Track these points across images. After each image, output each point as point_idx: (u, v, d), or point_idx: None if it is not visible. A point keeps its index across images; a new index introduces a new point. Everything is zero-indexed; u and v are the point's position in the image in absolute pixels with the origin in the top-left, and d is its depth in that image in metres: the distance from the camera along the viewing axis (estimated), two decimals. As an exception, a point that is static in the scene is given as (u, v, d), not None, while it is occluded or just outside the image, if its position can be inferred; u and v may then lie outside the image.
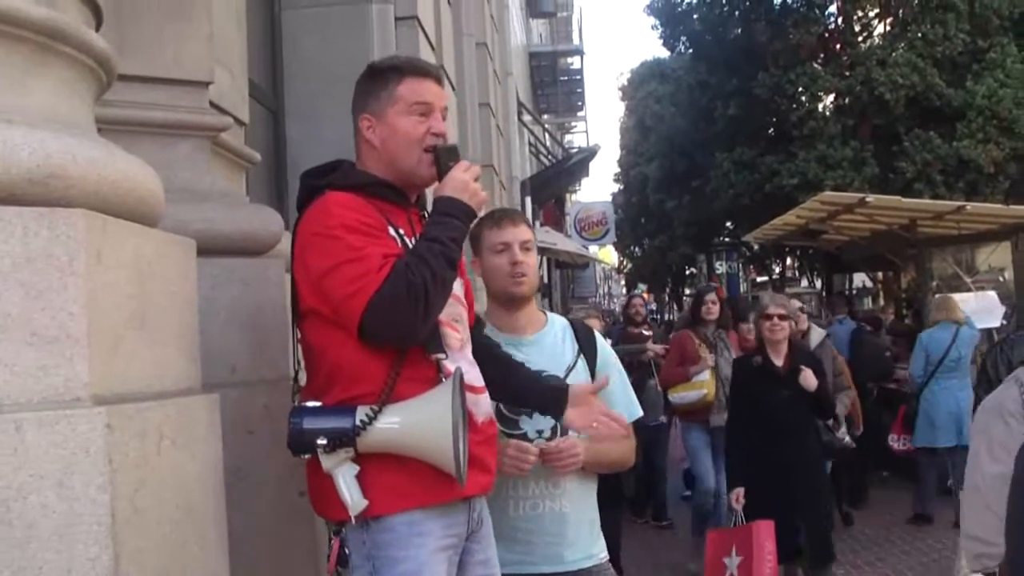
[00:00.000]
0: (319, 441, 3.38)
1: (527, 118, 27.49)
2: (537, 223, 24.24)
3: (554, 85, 39.78)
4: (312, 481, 3.60)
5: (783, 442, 8.49)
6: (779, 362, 8.73)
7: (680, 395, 11.35)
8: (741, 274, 44.97)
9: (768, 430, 8.52)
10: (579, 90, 43.91)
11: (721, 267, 41.18)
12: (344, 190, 3.59)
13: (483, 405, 3.80)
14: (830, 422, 10.00)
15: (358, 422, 3.38)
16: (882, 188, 22.59)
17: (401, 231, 3.63)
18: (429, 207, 3.78)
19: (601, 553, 4.62)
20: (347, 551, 3.49)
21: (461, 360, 3.69)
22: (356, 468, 3.43)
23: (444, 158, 3.66)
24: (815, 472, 8.93)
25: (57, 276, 2.55)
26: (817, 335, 11.83)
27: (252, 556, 3.81)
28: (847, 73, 26.58)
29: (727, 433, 9.30)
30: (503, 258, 4.45)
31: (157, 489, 2.81)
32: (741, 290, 40.47)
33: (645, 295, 76.30)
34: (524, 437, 4.38)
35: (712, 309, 11.50)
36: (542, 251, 22.75)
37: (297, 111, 7.37)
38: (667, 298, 61.74)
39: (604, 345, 4.77)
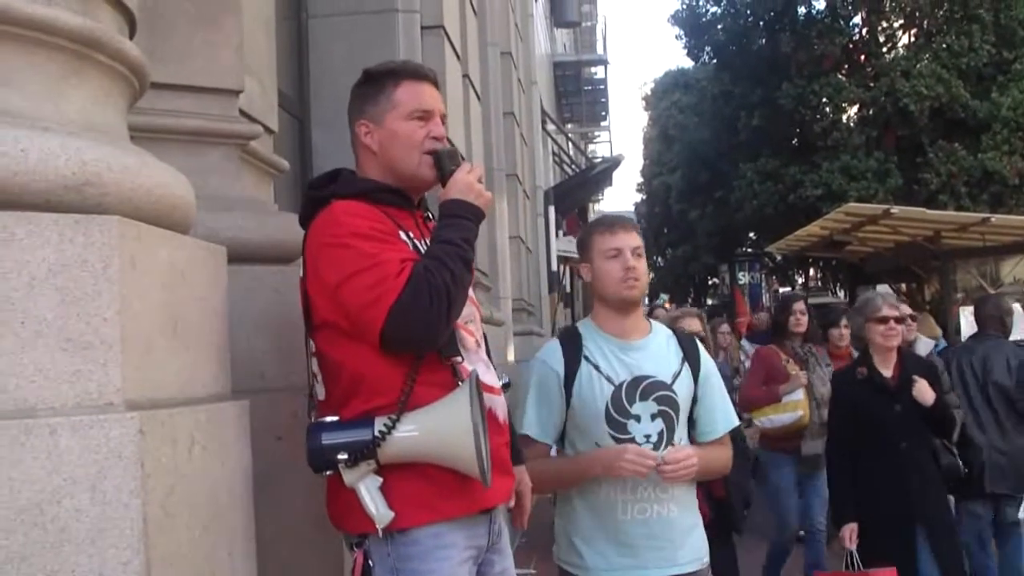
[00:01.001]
0: (340, 456, 3.33)
1: (551, 127, 27.48)
2: (560, 232, 24.21)
3: (578, 94, 39.76)
4: (331, 496, 3.58)
5: (899, 466, 7.04)
6: (888, 372, 7.25)
7: (769, 418, 9.61)
8: (764, 285, 44.89)
9: (880, 452, 7.09)
10: (603, 100, 43.87)
11: (744, 277, 41.10)
12: (349, 198, 3.55)
13: (501, 406, 3.79)
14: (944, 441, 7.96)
15: (377, 433, 3.33)
16: (906, 199, 22.52)
17: (410, 234, 3.61)
18: (432, 210, 3.80)
19: (705, 557, 4.67)
20: (371, 563, 3.46)
21: (477, 362, 3.70)
22: (379, 480, 3.39)
23: (446, 162, 3.64)
24: (940, 503, 7.42)
25: (91, 282, 2.57)
26: (925, 345, 10.82)
27: (280, 562, 3.82)
28: (871, 84, 26.55)
29: (830, 458, 7.64)
30: (616, 263, 4.51)
31: (188, 494, 2.83)
32: (763, 301, 40.39)
33: (667, 305, 76.28)
34: (632, 442, 4.42)
35: (801, 320, 9.80)
36: (564, 260, 22.75)
37: (323, 119, 7.39)
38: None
39: (706, 354, 4.82)
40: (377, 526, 3.38)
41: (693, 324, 6.35)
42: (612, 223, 4.70)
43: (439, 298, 3.34)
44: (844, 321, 9.92)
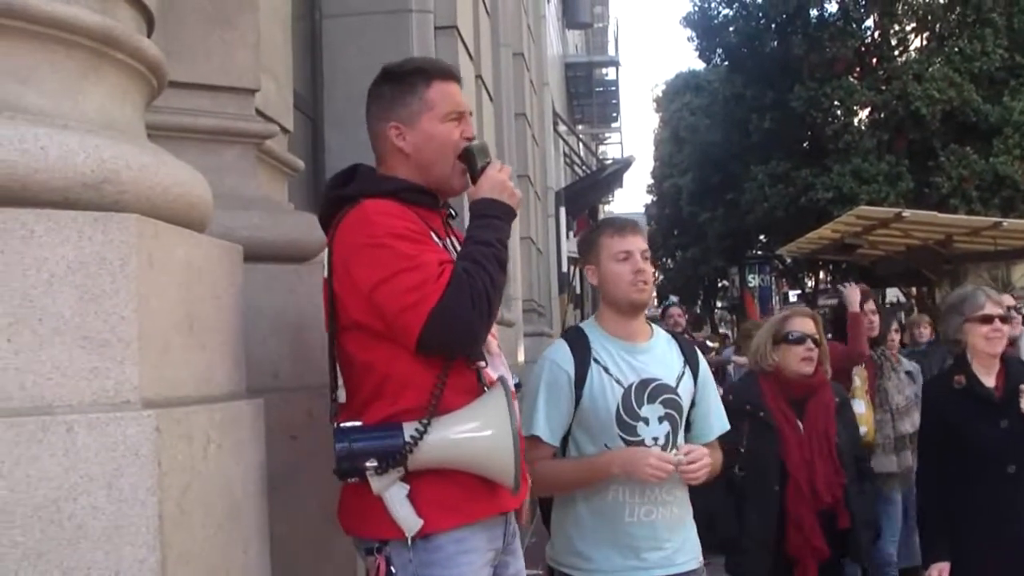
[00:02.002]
0: (369, 463, 3.27)
1: (562, 128, 27.46)
2: (571, 233, 24.20)
3: (589, 96, 39.74)
4: (347, 501, 3.55)
5: (1006, 494, 5.73)
6: (991, 382, 5.90)
7: None
8: (773, 287, 44.85)
9: (982, 477, 5.78)
10: (614, 101, 43.86)
11: (754, 280, 41.15)
12: (378, 197, 3.48)
13: (518, 410, 3.77)
14: None
15: (408, 439, 3.28)
16: (917, 203, 22.53)
17: (439, 234, 3.57)
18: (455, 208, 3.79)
19: (700, 557, 4.70)
20: (392, 570, 3.40)
21: (499, 366, 3.67)
22: (407, 487, 3.34)
23: (478, 157, 3.61)
24: None
25: (109, 280, 2.57)
26: None
27: (293, 561, 3.82)
28: (883, 87, 26.55)
29: (919, 485, 6.38)
30: (625, 266, 4.52)
31: (204, 492, 2.83)
32: (773, 303, 40.35)
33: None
34: (641, 444, 4.43)
35: (872, 320, 8.38)
36: (575, 261, 22.73)
37: (336, 119, 7.39)
38: (699, 310, 61.56)
39: (703, 359, 4.86)
40: (407, 534, 3.34)
41: (806, 325, 6.11)
42: (621, 226, 4.71)
43: (480, 301, 3.31)
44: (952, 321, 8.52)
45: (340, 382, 3.54)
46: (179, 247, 2.88)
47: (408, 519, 3.34)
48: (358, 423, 3.37)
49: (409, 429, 3.30)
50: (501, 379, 3.52)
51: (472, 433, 3.39)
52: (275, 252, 4.14)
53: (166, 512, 2.59)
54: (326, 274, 3.50)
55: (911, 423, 8.18)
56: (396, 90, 3.67)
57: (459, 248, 3.56)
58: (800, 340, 6.04)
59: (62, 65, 2.73)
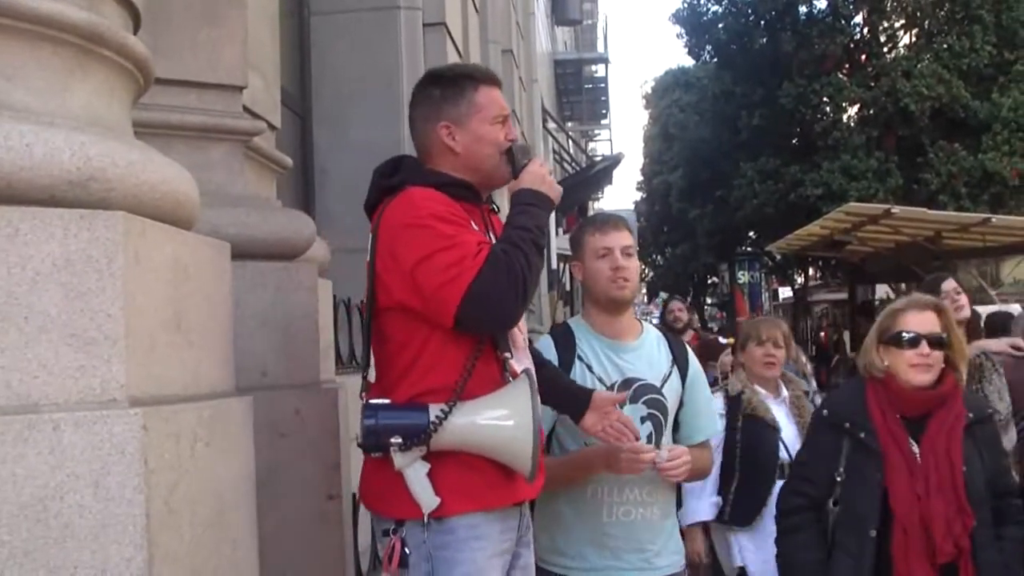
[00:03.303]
0: (393, 439, 3.39)
1: (551, 125, 27.49)
2: (560, 231, 24.22)
3: (579, 93, 39.81)
4: (372, 479, 3.62)
5: None
6: None
7: None
8: (763, 284, 44.89)
9: None
10: (603, 98, 43.92)
11: (743, 277, 41.17)
12: (424, 187, 3.61)
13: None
14: None
15: (433, 418, 3.40)
16: (906, 200, 22.52)
17: (478, 229, 3.68)
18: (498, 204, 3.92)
19: (682, 560, 4.71)
20: (407, 550, 3.49)
21: (524, 360, 3.75)
22: (427, 466, 3.45)
23: (520, 155, 3.76)
24: None
25: (96, 278, 2.56)
26: None
27: (281, 559, 3.83)
28: (872, 84, 26.54)
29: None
30: (605, 263, 4.51)
31: (191, 491, 2.83)
32: (762, 300, 40.38)
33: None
34: None
35: (961, 303, 7.04)
36: (564, 258, 22.74)
37: (325, 116, 7.40)
38: (688, 307, 61.50)
39: (694, 358, 4.82)
40: (423, 511, 3.44)
41: (924, 321, 4.85)
42: (602, 222, 4.71)
43: (515, 279, 3.43)
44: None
45: (372, 361, 3.68)
46: (166, 244, 2.88)
47: (426, 496, 3.44)
48: (386, 400, 3.51)
49: (434, 410, 3.43)
50: (526, 371, 3.63)
51: (496, 421, 3.49)
52: (263, 249, 4.14)
53: (153, 511, 2.59)
54: (369, 258, 3.62)
55: (1008, 439, 6.43)
56: (446, 92, 3.81)
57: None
58: (913, 343, 4.75)
59: (48, 62, 2.72)
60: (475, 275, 3.38)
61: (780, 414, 6.43)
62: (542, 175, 3.72)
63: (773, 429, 6.31)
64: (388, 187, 3.68)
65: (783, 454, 6.22)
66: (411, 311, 3.50)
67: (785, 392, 6.58)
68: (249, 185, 4.38)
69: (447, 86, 3.82)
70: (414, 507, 3.46)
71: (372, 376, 3.68)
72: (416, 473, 3.44)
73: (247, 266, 3.93)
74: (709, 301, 56.80)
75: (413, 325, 3.51)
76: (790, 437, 6.29)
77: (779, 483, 5.80)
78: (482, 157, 3.77)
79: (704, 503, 6.32)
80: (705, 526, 6.50)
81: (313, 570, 4.12)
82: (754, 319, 7.61)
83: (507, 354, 3.65)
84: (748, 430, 6.32)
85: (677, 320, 11.97)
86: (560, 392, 4.21)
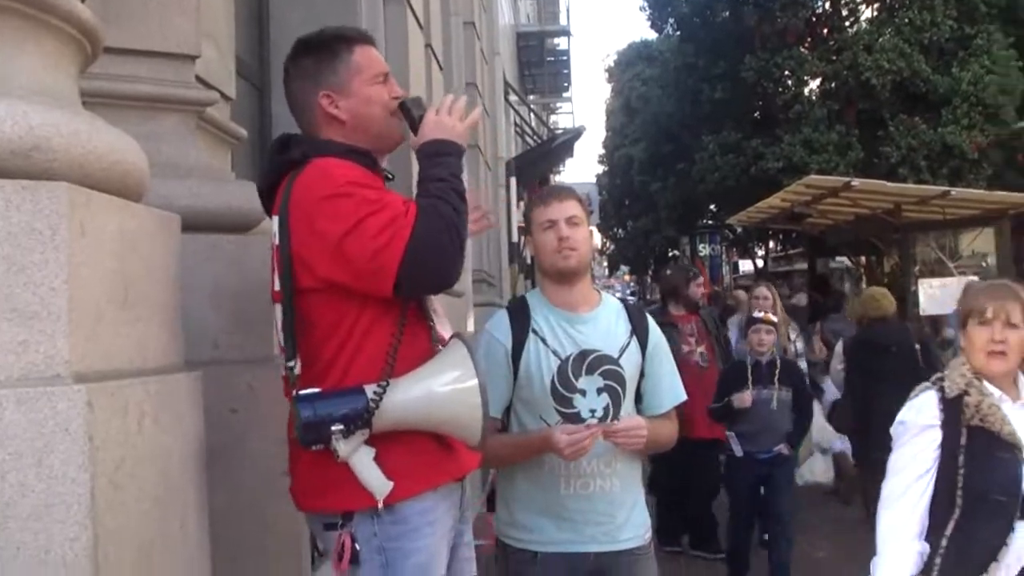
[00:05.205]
0: (335, 428, 3.26)
1: (513, 98, 27.40)
2: (521, 204, 24.16)
3: (541, 66, 39.64)
4: (310, 476, 3.50)
5: None
6: None
7: None
8: (724, 257, 44.98)
9: None
10: (565, 71, 43.77)
11: (704, 249, 41.20)
12: (330, 157, 3.50)
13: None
14: None
15: (371, 397, 3.29)
16: (866, 173, 22.53)
17: None
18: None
19: (647, 533, 4.66)
20: (357, 547, 3.40)
21: (448, 328, 3.70)
22: (372, 451, 3.35)
23: (414, 110, 3.66)
24: None
25: (39, 250, 2.51)
26: None
27: (233, 535, 3.78)
28: (834, 58, 26.52)
29: None
30: (551, 234, 4.48)
31: (138, 467, 2.78)
32: (723, 272, 40.46)
33: (627, 277, 76.27)
34: (577, 416, 4.41)
35: None
36: (525, 231, 22.66)
37: (283, 88, 7.32)
38: (649, 280, 61.73)
39: (656, 329, 4.77)
40: (377, 498, 3.35)
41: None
42: (547, 194, 4.72)
43: (451, 230, 3.35)
44: None
45: (296, 350, 3.47)
46: (113, 216, 2.82)
47: (378, 482, 3.35)
48: (317, 390, 3.36)
49: (370, 390, 3.32)
50: (458, 335, 3.57)
51: (441, 388, 3.42)
52: (216, 222, 4.09)
53: (98, 488, 2.54)
54: (277, 240, 3.45)
55: None
56: (321, 59, 3.69)
57: None
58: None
59: (-9, 30, 2.66)
60: (410, 233, 3.27)
61: (1022, 426, 4.36)
62: (439, 122, 3.60)
63: (1013, 447, 4.28)
64: (290, 162, 3.54)
65: None
66: (339, 288, 3.37)
67: None
68: (202, 156, 4.31)
69: (320, 52, 3.70)
70: (363, 497, 3.35)
71: (299, 365, 3.46)
72: (363, 459, 3.34)
73: (199, 238, 3.88)
74: (669, 274, 56.91)
75: (342, 304, 3.39)
76: None
77: (1020, 524, 4.20)
78: (371, 120, 3.66)
79: (903, 549, 4.35)
80: None
81: (267, 547, 4.07)
82: (977, 284, 5.19)
83: (431, 322, 3.59)
84: (975, 449, 4.31)
85: (704, 296, 11.35)
86: None
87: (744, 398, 8.66)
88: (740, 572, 9.11)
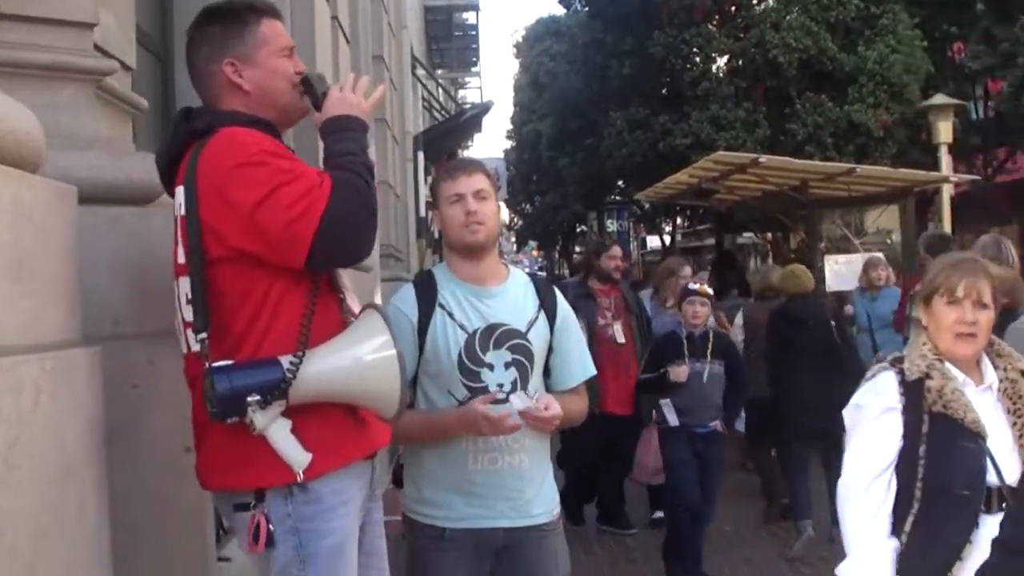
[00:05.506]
0: (251, 399, 3.21)
1: (421, 73, 27.32)
2: (429, 178, 24.12)
3: (449, 40, 39.56)
4: (221, 452, 3.44)
5: None
6: None
7: None
8: (631, 233, 45.20)
9: None
10: (474, 46, 43.71)
11: (612, 225, 41.39)
12: (238, 126, 3.45)
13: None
14: None
15: (288, 366, 3.25)
16: (773, 150, 22.69)
17: None
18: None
19: (555, 509, 4.65)
20: (271, 528, 3.35)
21: (356, 302, 3.68)
22: (289, 422, 3.30)
23: (317, 85, 3.66)
24: None
25: (-73, 222, 2.43)
26: None
27: (134, 514, 3.71)
28: (741, 35, 26.67)
29: None
30: (458, 208, 4.46)
31: (33, 446, 2.71)
32: (631, 248, 40.63)
33: (535, 252, 76.47)
34: (485, 390, 4.38)
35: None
36: (432, 205, 22.62)
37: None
38: (557, 255, 61.88)
39: (564, 303, 4.76)
40: (296, 470, 3.31)
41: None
42: (454, 168, 4.70)
43: (365, 203, 3.34)
44: None
45: (206, 322, 3.41)
46: (6, 187, 2.74)
47: (296, 454, 3.31)
48: (230, 361, 3.30)
49: (286, 361, 3.28)
50: (373, 305, 3.55)
51: (359, 358, 3.39)
52: (116, 194, 4.00)
53: (-9, 468, 2.47)
54: (183, 211, 3.40)
55: None
56: (228, 27, 3.65)
57: None
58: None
59: None
60: (326, 204, 3.24)
61: (988, 411, 4.12)
62: (343, 98, 3.60)
63: (977, 436, 4.03)
64: (193, 132, 3.49)
65: (992, 476, 4.03)
66: (250, 258, 3.32)
67: (993, 375, 4.23)
68: (101, 127, 4.21)
69: (228, 21, 3.66)
70: (279, 472, 3.32)
71: (209, 338, 3.39)
72: (280, 431, 3.29)
73: (98, 211, 3.79)
74: (578, 250, 57.12)
75: (253, 273, 3.34)
76: (1003, 447, 4.09)
77: (986, 519, 3.94)
78: (276, 92, 3.64)
79: (878, 550, 4.08)
80: None
81: (170, 526, 4.00)
82: (943, 256, 4.63)
83: (341, 294, 3.57)
84: (936, 438, 4.04)
85: (617, 269, 10.85)
86: None
87: (680, 371, 8.65)
88: (688, 558, 8.87)
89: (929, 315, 4.20)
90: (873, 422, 4.13)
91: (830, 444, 9.32)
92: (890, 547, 4.02)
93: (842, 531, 4.21)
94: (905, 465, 4.05)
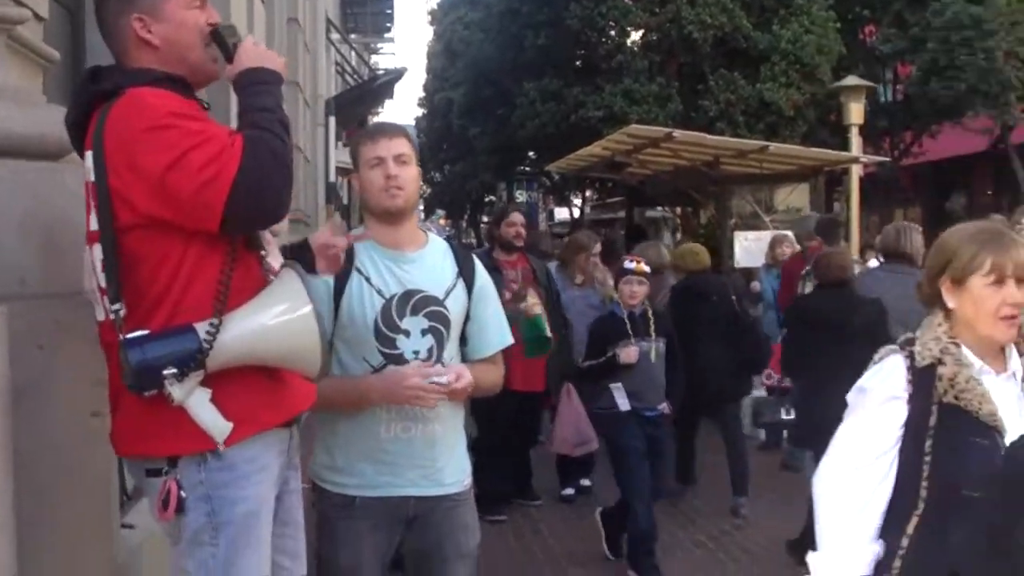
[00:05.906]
0: (167, 371, 3.12)
1: (335, 36, 27.17)
2: (339, 143, 23.99)
3: (363, 4, 39.38)
4: (138, 420, 3.33)
5: None
6: None
7: None
8: (540, 204, 45.27)
9: None
10: (388, 11, 43.55)
11: (521, 196, 41.43)
12: (146, 87, 3.32)
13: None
14: None
15: (204, 336, 3.17)
16: (685, 125, 22.80)
17: None
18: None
19: (467, 480, 4.63)
20: (183, 494, 3.27)
21: (278, 257, 3.58)
22: (208, 392, 3.23)
23: (228, 37, 3.55)
24: None
25: None
26: None
27: (40, 478, 3.62)
28: (657, 10, 26.71)
29: None
30: (377, 172, 4.40)
31: (-64, 407, 2.61)
32: (539, 219, 40.68)
33: (443, 221, 76.43)
34: (400, 357, 4.34)
35: None
36: (343, 171, 22.53)
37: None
38: (465, 224, 61.83)
39: (482, 270, 4.72)
40: (217, 440, 3.25)
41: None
42: (375, 131, 4.65)
43: (280, 162, 3.21)
44: None
45: (119, 291, 3.29)
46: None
47: (217, 423, 3.25)
48: (145, 332, 3.20)
49: (203, 329, 3.20)
50: (289, 263, 3.47)
51: (276, 319, 3.32)
52: (24, 147, 3.88)
53: None
54: (93, 177, 3.28)
55: None
56: None
57: None
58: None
59: None
60: (237, 167, 3.12)
61: (1011, 402, 3.59)
62: (258, 52, 3.49)
63: (993, 431, 3.52)
64: (101, 93, 3.36)
65: None
66: (163, 224, 3.21)
67: (1017, 362, 3.66)
68: (11, 77, 4.09)
69: None
70: (196, 439, 3.24)
71: (123, 307, 3.28)
72: (199, 401, 3.22)
73: (7, 164, 3.69)
74: (485, 219, 57.12)
75: (167, 239, 3.23)
76: None
77: None
78: (186, 46, 3.51)
79: (855, 552, 3.63)
80: None
81: (75, 492, 3.90)
82: (961, 229, 3.77)
83: (262, 251, 3.48)
84: (945, 431, 3.55)
85: (518, 236, 10.38)
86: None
87: (631, 352, 8.37)
88: (649, 554, 8.35)
89: (961, 298, 3.59)
90: (875, 409, 3.63)
91: (728, 415, 9.91)
92: (872, 552, 3.60)
93: (816, 516, 3.72)
94: (910, 461, 3.56)
